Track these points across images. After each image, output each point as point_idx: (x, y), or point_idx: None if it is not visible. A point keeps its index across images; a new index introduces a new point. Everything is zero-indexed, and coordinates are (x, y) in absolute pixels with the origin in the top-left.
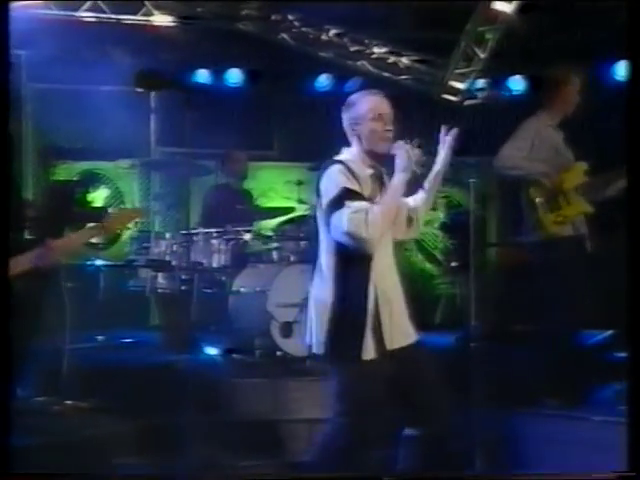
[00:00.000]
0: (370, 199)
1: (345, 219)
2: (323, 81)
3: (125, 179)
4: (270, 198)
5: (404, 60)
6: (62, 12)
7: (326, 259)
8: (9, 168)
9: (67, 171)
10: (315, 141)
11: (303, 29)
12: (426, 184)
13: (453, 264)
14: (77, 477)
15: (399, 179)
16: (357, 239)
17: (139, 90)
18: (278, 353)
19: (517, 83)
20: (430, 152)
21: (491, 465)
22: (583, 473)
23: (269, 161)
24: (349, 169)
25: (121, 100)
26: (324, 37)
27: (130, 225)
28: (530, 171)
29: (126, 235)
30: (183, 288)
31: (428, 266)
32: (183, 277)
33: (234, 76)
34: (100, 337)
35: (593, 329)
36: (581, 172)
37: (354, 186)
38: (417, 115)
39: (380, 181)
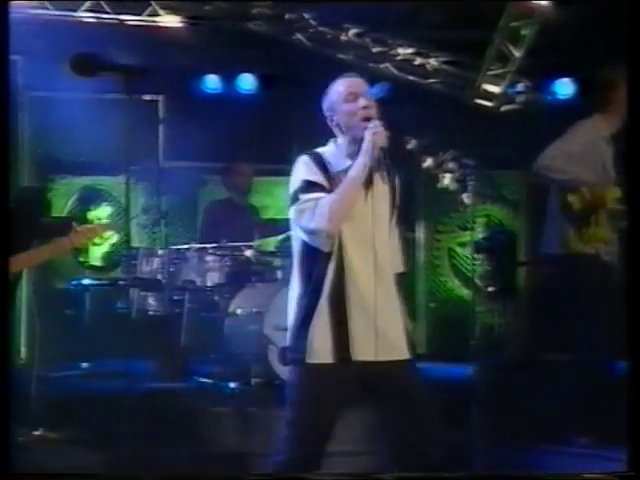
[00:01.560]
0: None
1: (296, 212)
2: None
3: (129, 195)
4: (278, 213)
5: (432, 62)
6: (60, 12)
7: (296, 258)
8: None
9: (66, 186)
10: None
11: (320, 29)
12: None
13: (490, 289)
14: (77, 477)
15: (360, 162)
16: (307, 232)
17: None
18: (276, 381)
19: (563, 86)
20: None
21: None
22: (583, 473)
23: (284, 176)
24: (318, 160)
25: (126, 109)
26: (343, 37)
27: (98, 240)
28: (574, 177)
29: (110, 250)
30: (174, 310)
31: (465, 292)
32: (174, 298)
33: (246, 82)
34: (81, 364)
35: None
36: (613, 197)
37: (316, 178)
38: (448, 122)
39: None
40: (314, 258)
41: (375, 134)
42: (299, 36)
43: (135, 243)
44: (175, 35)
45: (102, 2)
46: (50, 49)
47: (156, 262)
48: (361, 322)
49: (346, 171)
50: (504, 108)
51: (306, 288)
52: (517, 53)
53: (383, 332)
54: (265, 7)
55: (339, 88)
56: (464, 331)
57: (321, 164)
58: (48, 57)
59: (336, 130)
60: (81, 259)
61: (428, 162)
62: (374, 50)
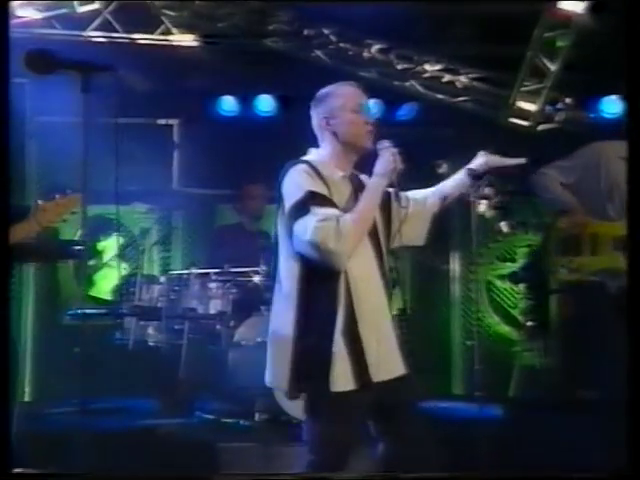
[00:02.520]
0: (340, 205)
1: (311, 228)
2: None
3: (142, 225)
4: None
5: (462, 79)
6: (67, 32)
7: (288, 276)
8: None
9: (76, 215)
10: None
11: (341, 45)
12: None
13: (530, 323)
14: (77, 477)
15: (377, 183)
16: (325, 252)
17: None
18: (282, 417)
19: (609, 103)
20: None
21: None
22: (583, 473)
23: None
24: (315, 170)
25: (138, 134)
26: (366, 54)
27: (67, 217)
28: (561, 199)
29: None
30: (174, 340)
31: (506, 329)
32: (175, 327)
33: (264, 103)
34: (76, 399)
35: None
36: (615, 232)
37: (321, 189)
38: (481, 144)
39: (353, 185)
40: (322, 279)
41: (393, 155)
42: (319, 53)
43: (133, 269)
44: (189, 54)
45: (112, 20)
46: (58, 71)
47: (156, 289)
48: (373, 340)
49: (339, 183)
50: (542, 127)
51: (315, 313)
52: (553, 67)
53: (390, 348)
54: (282, 23)
55: (344, 95)
56: (504, 371)
57: (318, 174)
58: (55, 79)
59: (329, 137)
60: (92, 294)
61: None
62: (399, 67)
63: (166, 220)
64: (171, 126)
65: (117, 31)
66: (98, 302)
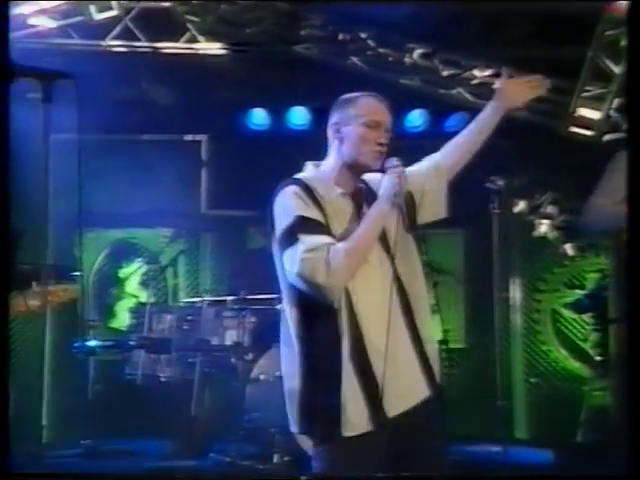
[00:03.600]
0: (338, 229)
1: (297, 260)
2: (411, 118)
3: (168, 250)
4: None
5: None
6: (85, 41)
7: (289, 310)
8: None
9: (96, 240)
10: None
11: (380, 50)
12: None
13: (599, 358)
14: (77, 477)
15: (380, 208)
16: (314, 287)
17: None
18: (304, 459)
19: None
20: None
21: None
22: (583, 473)
23: None
24: (309, 190)
25: (162, 151)
26: (407, 59)
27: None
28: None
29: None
30: (187, 375)
31: (574, 365)
32: (188, 360)
33: (297, 115)
34: (83, 441)
35: None
36: None
37: (313, 213)
38: (541, 158)
39: (356, 203)
40: (321, 314)
41: (400, 177)
42: (355, 60)
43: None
44: (216, 64)
45: (133, 28)
46: (76, 84)
47: (167, 319)
48: (387, 370)
49: (338, 201)
50: (607, 137)
51: (318, 351)
52: (617, 69)
53: (408, 372)
54: (315, 27)
55: (363, 106)
56: (573, 412)
57: (312, 195)
58: (74, 93)
59: (335, 147)
60: (112, 325)
61: (521, 206)
62: (444, 73)
63: (193, 245)
64: (198, 142)
65: (139, 39)
66: (114, 333)
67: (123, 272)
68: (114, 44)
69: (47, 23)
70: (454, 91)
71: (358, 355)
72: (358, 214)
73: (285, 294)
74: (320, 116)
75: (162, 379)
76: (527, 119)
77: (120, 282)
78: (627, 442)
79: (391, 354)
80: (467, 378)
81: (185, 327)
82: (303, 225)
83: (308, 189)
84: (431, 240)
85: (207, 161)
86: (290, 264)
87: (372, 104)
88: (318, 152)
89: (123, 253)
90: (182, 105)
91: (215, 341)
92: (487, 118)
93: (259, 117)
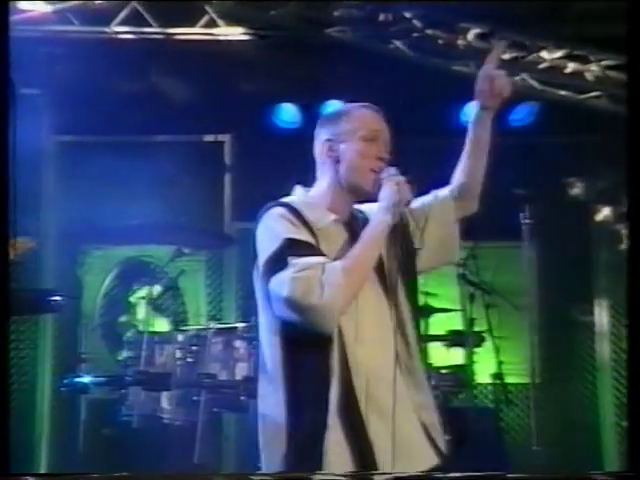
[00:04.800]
0: (330, 255)
1: (287, 281)
2: (468, 112)
3: (186, 270)
4: None
5: (593, 68)
6: (87, 28)
7: (271, 351)
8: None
9: (103, 259)
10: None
11: (428, 32)
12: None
13: None
14: (77, 477)
15: (379, 222)
16: (306, 311)
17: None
18: None
19: None
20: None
21: None
22: (583, 473)
23: None
24: (298, 213)
25: (179, 155)
26: (461, 41)
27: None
28: None
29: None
30: (189, 416)
31: None
32: (193, 398)
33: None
34: None
35: None
36: None
37: (303, 236)
38: (622, 153)
39: (351, 231)
40: (309, 350)
41: (399, 184)
42: (399, 44)
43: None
44: (238, 52)
45: (143, 11)
46: (79, 77)
47: (168, 350)
48: (383, 425)
49: (330, 228)
50: None
51: (304, 397)
52: None
53: (411, 431)
54: (351, 7)
55: (359, 118)
56: None
57: (301, 219)
58: (77, 88)
59: (329, 167)
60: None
61: (604, 213)
62: (506, 57)
63: (216, 263)
64: (220, 143)
65: (149, 24)
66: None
67: (134, 297)
68: (120, 30)
69: (42, 7)
70: (518, 78)
71: (347, 401)
72: (351, 243)
73: (267, 333)
74: None
75: (162, 420)
76: (606, 108)
77: (131, 308)
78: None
79: (388, 402)
80: (535, 419)
81: (189, 359)
82: (293, 248)
83: (296, 212)
84: (481, 253)
85: (230, 165)
86: (278, 288)
87: (367, 115)
88: None
89: (134, 274)
90: (200, 101)
91: (223, 376)
92: (476, 126)
93: (288, 113)
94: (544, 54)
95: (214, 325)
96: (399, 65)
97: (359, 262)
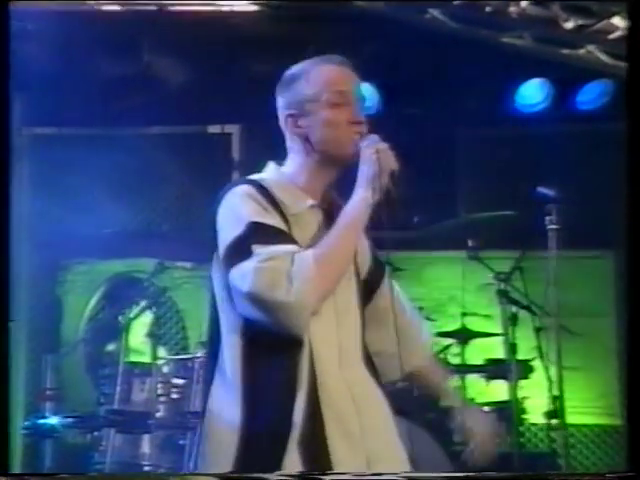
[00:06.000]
0: (303, 243)
1: (250, 272)
2: (525, 93)
3: (184, 288)
4: None
5: None
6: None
7: (229, 353)
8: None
9: (87, 276)
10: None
11: None
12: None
13: None
14: (77, 477)
15: (357, 201)
16: (270, 308)
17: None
18: None
19: None
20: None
21: None
22: (583, 473)
23: (422, 250)
24: (267, 192)
25: (178, 149)
26: (513, 9)
27: None
28: None
29: None
30: (174, 463)
31: None
32: (179, 442)
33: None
34: None
35: None
36: None
37: (272, 220)
38: None
39: (328, 218)
40: (276, 352)
41: (378, 152)
42: (436, 14)
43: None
44: (247, 26)
45: None
46: (59, 59)
47: (148, 383)
48: (345, 442)
49: (306, 215)
50: None
51: (264, 402)
52: None
53: (382, 447)
54: None
55: (320, 79)
56: None
57: (270, 199)
58: (55, 71)
59: (297, 142)
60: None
61: None
62: (568, 26)
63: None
64: (228, 135)
65: None
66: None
67: (128, 319)
68: (108, 2)
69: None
70: (583, 50)
71: (312, 413)
72: (327, 228)
73: (227, 334)
74: (392, 94)
75: (143, 468)
76: None
77: (124, 333)
78: (627, 440)
79: (350, 415)
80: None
81: (173, 395)
82: (259, 234)
83: (266, 192)
84: (528, 266)
85: (239, 160)
86: (240, 280)
87: (330, 72)
88: (390, 140)
89: (123, 293)
90: (202, 85)
91: None
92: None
93: None
94: (615, 21)
95: (202, 353)
96: (438, 39)
97: (334, 250)
